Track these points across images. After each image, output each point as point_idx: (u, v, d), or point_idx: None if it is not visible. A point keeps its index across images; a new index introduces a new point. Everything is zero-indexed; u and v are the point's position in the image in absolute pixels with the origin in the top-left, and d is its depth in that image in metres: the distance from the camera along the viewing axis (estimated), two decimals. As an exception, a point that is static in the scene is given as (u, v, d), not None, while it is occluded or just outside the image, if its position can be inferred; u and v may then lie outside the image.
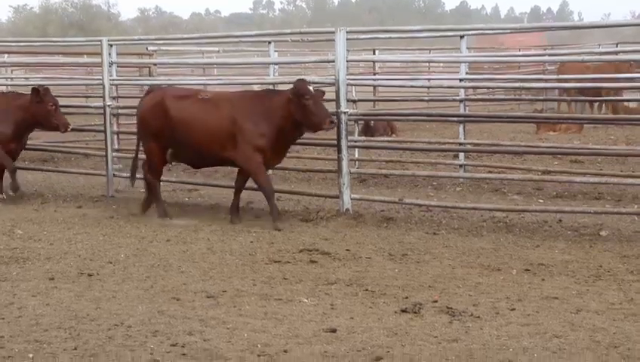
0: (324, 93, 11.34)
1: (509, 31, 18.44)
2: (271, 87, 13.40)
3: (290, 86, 11.14)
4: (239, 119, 11.09)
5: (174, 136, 11.35)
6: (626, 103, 19.80)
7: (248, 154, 11.05)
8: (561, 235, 10.33)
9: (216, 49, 21.92)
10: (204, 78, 21.41)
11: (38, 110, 12.70)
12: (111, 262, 9.10)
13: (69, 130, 12.92)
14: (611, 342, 6.40)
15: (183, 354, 6.18)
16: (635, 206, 11.68)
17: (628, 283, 8.12)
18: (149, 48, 19.75)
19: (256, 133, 11.02)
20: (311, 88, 10.90)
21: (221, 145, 11.15)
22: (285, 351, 6.23)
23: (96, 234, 10.55)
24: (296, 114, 10.88)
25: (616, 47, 20.95)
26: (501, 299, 7.56)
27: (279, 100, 11.09)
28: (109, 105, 13.59)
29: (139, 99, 12.25)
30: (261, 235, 10.41)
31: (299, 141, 11.71)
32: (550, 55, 19.68)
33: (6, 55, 19.10)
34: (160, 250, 9.67)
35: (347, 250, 9.55)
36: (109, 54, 13.74)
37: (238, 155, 11.10)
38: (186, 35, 21.58)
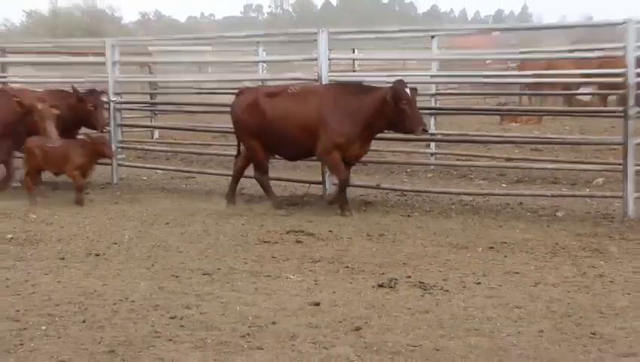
0: (416, 90, 10.64)
1: (475, 31, 18.45)
2: (259, 83, 13.37)
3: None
4: (326, 113, 10.46)
5: (270, 131, 10.81)
6: (580, 97, 19.84)
7: (329, 149, 10.48)
8: (521, 216, 10.37)
9: (210, 48, 21.88)
10: (201, 75, 21.36)
11: (79, 109, 12.47)
12: (116, 243, 9.09)
13: (105, 130, 12.67)
14: (565, 312, 6.44)
15: (181, 326, 6.19)
16: (588, 189, 11.73)
17: (581, 259, 8.16)
18: (148, 48, 19.72)
19: (338, 130, 10.40)
20: (408, 91, 10.18)
21: (311, 138, 10.56)
22: (274, 323, 6.23)
23: (102, 218, 10.53)
24: (389, 115, 10.21)
25: (571, 46, 20.99)
26: (468, 274, 7.59)
27: (373, 99, 10.36)
28: (113, 101, 13.57)
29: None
30: (252, 218, 10.40)
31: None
32: (512, 53, 19.67)
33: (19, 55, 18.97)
34: (160, 232, 9.66)
35: (330, 231, 9.56)
36: (113, 54, 13.70)
37: (320, 149, 10.56)
38: (182, 36, 21.55)
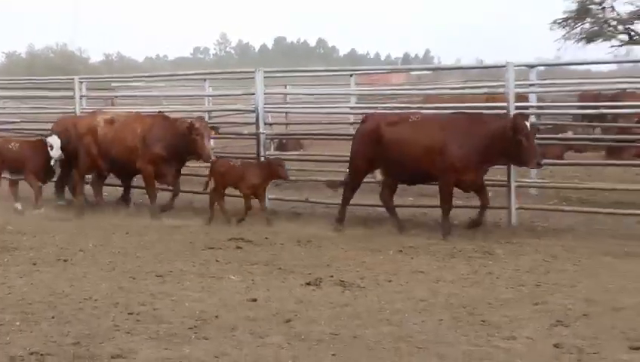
0: (538, 130, 9.73)
1: (386, 71, 18.68)
2: (206, 114, 13.25)
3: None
4: (447, 140, 9.43)
5: (388, 156, 9.87)
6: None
7: (446, 173, 9.46)
8: (425, 224, 10.44)
9: (164, 84, 21.72)
10: (157, 106, 21.15)
11: (186, 139, 10.79)
12: (82, 250, 8.93)
13: (209, 161, 10.81)
14: (461, 303, 6.50)
15: (138, 321, 6.10)
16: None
17: (474, 259, 8.26)
18: (112, 84, 19.47)
19: (460, 156, 9.37)
20: (528, 124, 9.15)
21: (430, 163, 9.54)
22: (217, 317, 6.18)
23: (70, 228, 10.32)
24: (506, 145, 9.16)
25: (465, 83, 21.28)
26: (381, 274, 7.62)
27: (494, 128, 9.33)
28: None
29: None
30: (199, 228, 10.31)
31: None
32: (417, 89, 19.88)
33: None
34: (121, 240, 9.51)
35: (265, 238, 9.51)
36: (80, 89, 13.52)
37: (438, 172, 9.54)
38: (140, 74, 21.33)
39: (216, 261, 8.31)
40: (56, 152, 11.58)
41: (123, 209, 11.68)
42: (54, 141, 11.61)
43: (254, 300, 6.66)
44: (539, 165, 9.31)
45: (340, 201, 10.51)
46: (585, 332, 5.65)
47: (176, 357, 5.30)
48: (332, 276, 7.49)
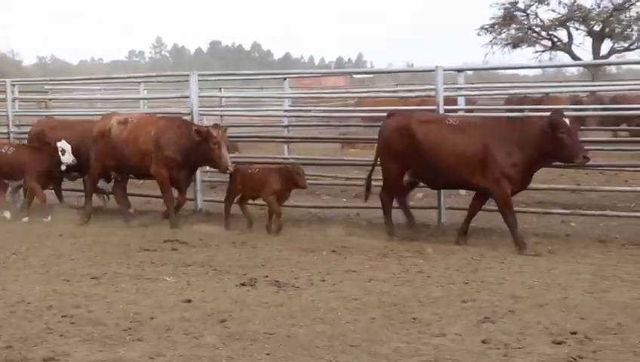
0: (579, 125, 9.21)
1: (319, 74, 18.77)
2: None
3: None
4: (492, 146, 8.84)
5: (419, 158, 9.17)
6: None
7: (499, 182, 8.79)
8: (359, 225, 10.49)
9: (99, 88, 21.38)
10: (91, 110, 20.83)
11: (203, 147, 10.06)
12: (14, 253, 8.74)
13: (227, 171, 10.20)
14: (393, 302, 6.55)
15: (72, 323, 6.00)
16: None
17: (405, 259, 8.32)
18: (45, 87, 19.09)
19: (509, 163, 8.78)
20: (567, 121, 8.64)
21: (470, 171, 8.92)
22: (152, 318, 6.11)
23: (2, 232, 10.08)
24: (547, 146, 8.64)
25: (396, 87, 21.52)
26: (315, 273, 7.62)
27: (532, 130, 8.79)
28: (12, 132, 13.08)
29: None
30: (135, 230, 10.18)
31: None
32: (350, 92, 20.02)
33: None
34: (54, 243, 9.33)
35: (200, 239, 9.43)
36: (13, 92, 13.23)
37: (489, 182, 8.84)
38: (75, 77, 20.98)
39: (152, 263, 8.21)
40: (68, 157, 10.96)
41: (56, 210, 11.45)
42: (65, 146, 10.98)
43: (189, 301, 6.60)
44: (585, 159, 8.63)
45: (383, 215, 9.76)
46: (511, 327, 5.76)
47: (111, 358, 5.22)
48: (267, 276, 7.47)
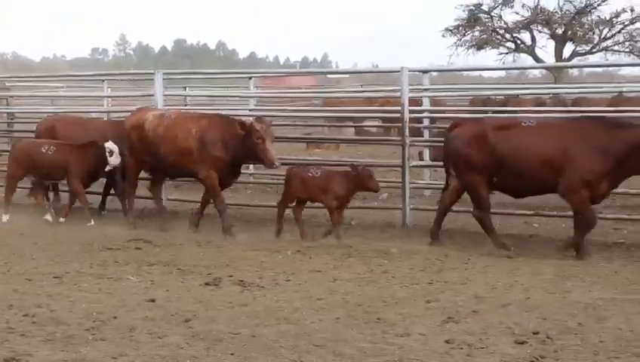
0: None
1: (284, 74, 18.74)
2: (105, 115, 12.97)
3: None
4: (572, 149, 8.32)
5: (502, 166, 8.61)
6: (367, 128, 20.31)
7: (576, 186, 8.32)
8: (323, 225, 10.46)
9: (62, 85, 21.15)
10: (53, 107, 20.61)
11: (247, 142, 9.56)
12: (-26, 253, 8.60)
13: (273, 167, 9.74)
14: (357, 302, 6.56)
15: (33, 322, 5.91)
16: (375, 203, 12.00)
17: (369, 259, 8.33)
18: (6, 84, 18.84)
19: (588, 168, 8.26)
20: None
21: (551, 174, 8.41)
22: (115, 317, 6.04)
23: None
24: None
25: (361, 87, 21.56)
26: (280, 273, 7.61)
27: (629, 135, 8.21)
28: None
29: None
30: (99, 229, 10.09)
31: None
32: (316, 92, 20.04)
33: None
34: (15, 242, 9.19)
35: (165, 238, 9.38)
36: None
37: (564, 186, 8.39)
38: (37, 74, 20.75)
39: (115, 262, 8.14)
40: (115, 159, 10.48)
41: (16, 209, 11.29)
42: (113, 147, 10.48)
43: (153, 300, 6.55)
44: None
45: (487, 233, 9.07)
46: (474, 327, 5.80)
47: (73, 358, 5.15)
48: (231, 276, 7.44)
